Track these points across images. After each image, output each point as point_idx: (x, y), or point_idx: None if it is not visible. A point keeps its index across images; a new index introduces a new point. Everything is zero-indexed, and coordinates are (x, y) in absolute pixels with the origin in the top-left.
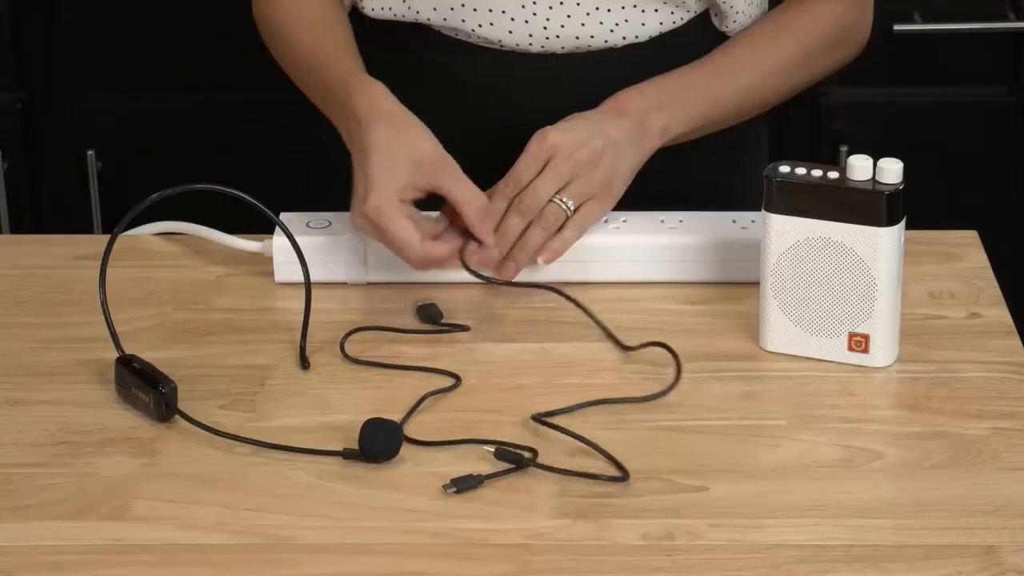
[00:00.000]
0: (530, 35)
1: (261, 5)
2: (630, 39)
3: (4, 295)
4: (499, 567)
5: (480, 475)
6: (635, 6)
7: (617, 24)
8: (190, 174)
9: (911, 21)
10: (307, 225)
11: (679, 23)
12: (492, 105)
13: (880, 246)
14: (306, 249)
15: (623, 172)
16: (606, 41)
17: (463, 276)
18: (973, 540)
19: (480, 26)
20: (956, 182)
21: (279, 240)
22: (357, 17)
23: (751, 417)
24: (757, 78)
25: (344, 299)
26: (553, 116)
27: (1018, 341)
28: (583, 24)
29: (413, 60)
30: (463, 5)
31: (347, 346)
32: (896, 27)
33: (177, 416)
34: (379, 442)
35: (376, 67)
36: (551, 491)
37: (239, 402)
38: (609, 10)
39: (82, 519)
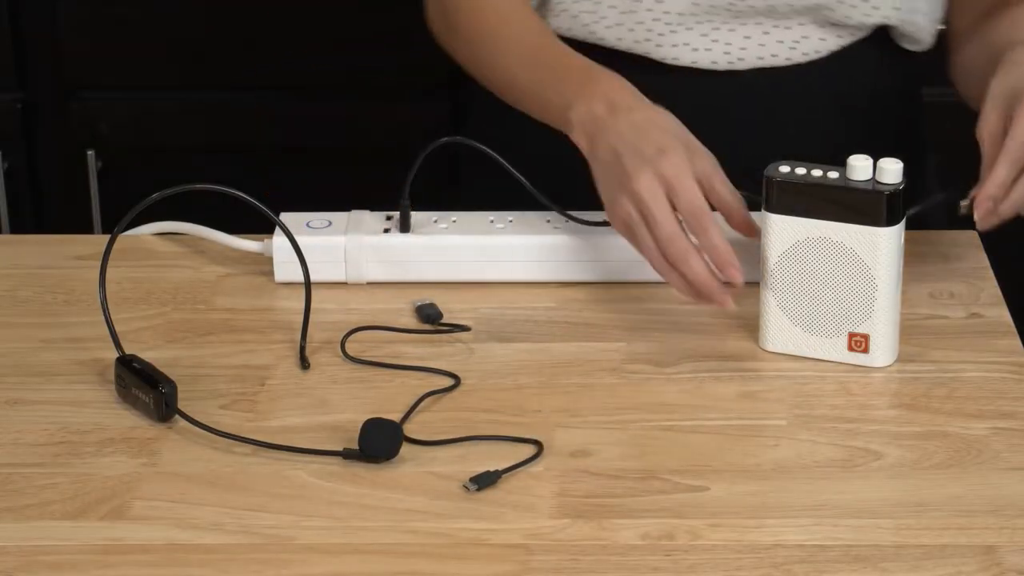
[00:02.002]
0: (714, 62)
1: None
2: (811, 56)
3: (3, 295)
4: (499, 567)
5: (498, 470)
6: (803, 26)
7: (797, 42)
8: (190, 174)
9: None
10: (307, 225)
11: (851, 41)
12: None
13: (880, 246)
14: (306, 249)
15: None
16: (788, 59)
17: (463, 276)
18: (973, 540)
19: (671, 52)
20: (956, 182)
21: (279, 240)
22: None
23: (751, 417)
24: None
25: (344, 299)
26: (744, 134)
27: (1018, 341)
28: (762, 44)
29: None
30: (648, 40)
31: (347, 346)
32: None
33: (177, 416)
34: (379, 442)
35: None
36: (551, 491)
37: (239, 402)
38: (788, 28)
39: (81, 519)
